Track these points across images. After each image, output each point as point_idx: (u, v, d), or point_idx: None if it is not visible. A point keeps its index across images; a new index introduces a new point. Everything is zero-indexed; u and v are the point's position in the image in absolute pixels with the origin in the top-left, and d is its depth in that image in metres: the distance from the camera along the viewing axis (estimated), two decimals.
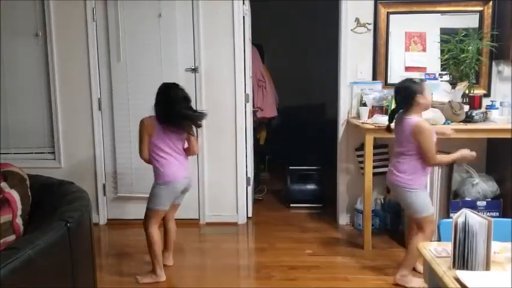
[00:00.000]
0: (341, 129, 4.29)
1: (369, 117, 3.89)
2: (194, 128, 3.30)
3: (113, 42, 4.25)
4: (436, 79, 4.00)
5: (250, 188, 4.58)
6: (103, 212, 4.51)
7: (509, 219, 2.21)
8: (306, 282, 3.28)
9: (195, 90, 4.28)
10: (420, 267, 3.16)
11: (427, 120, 3.59)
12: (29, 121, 4.44)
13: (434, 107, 3.70)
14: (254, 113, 4.99)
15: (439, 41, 4.11)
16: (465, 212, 1.80)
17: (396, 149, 3.16)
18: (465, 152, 3.10)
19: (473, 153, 3.11)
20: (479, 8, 4.08)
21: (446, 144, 3.83)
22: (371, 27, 4.16)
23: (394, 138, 3.20)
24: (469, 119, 3.72)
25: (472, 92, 3.99)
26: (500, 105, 3.87)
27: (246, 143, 4.43)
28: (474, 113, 3.72)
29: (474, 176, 3.98)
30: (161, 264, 3.30)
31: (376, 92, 4.02)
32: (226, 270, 3.51)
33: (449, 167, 3.67)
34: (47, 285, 1.95)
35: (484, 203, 3.88)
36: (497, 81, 4.14)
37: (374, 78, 4.20)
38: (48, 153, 4.50)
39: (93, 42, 4.29)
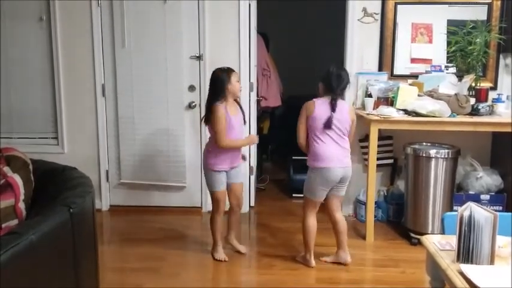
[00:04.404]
0: None
1: (374, 109, 3.86)
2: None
3: (118, 27, 4.22)
4: (442, 71, 3.97)
5: (253, 177, 4.58)
6: (106, 198, 4.51)
7: (510, 214, 2.19)
8: (307, 272, 3.28)
9: (199, 78, 4.26)
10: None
11: (433, 112, 3.58)
12: (33, 106, 4.43)
13: (440, 100, 3.68)
14: (258, 102, 4.97)
15: (446, 32, 4.07)
16: (471, 205, 1.78)
17: None
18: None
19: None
20: (488, 0, 4.03)
21: (451, 137, 3.82)
22: (378, 17, 4.12)
23: None
24: (474, 112, 3.69)
25: (478, 84, 3.96)
26: (507, 98, 3.83)
27: (249, 132, 4.41)
28: (480, 106, 3.70)
29: (478, 169, 3.96)
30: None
31: (381, 83, 3.98)
32: (227, 258, 3.51)
33: (453, 160, 3.65)
34: (49, 270, 1.96)
35: (488, 196, 3.87)
36: (504, 75, 4.10)
37: (380, 69, 4.17)
38: (52, 138, 4.49)
39: (98, 27, 4.26)
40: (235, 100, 3.39)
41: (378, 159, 3.78)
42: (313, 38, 6.53)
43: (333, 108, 3.13)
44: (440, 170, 3.60)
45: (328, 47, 5.71)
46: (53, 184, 2.52)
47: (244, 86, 4.29)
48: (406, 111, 3.69)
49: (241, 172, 3.60)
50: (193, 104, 4.29)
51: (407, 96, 3.74)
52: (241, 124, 3.40)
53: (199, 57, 4.25)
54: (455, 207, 3.60)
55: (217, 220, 3.43)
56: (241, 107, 3.45)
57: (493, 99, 3.86)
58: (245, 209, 4.46)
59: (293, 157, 5.05)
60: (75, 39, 4.30)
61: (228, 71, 3.31)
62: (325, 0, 5.63)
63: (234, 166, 3.41)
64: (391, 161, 4.24)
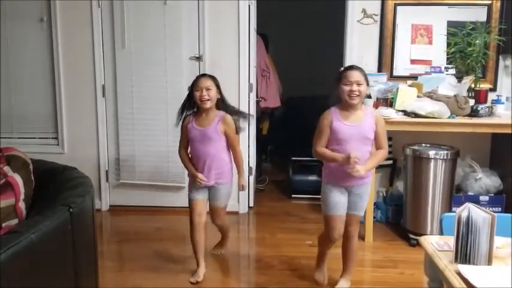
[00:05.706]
0: None
1: None
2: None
3: (118, 28, 4.23)
4: (442, 72, 3.98)
5: (252, 178, 4.58)
6: (105, 198, 4.52)
7: (510, 215, 2.20)
8: (306, 272, 3.28)
9: None
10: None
11: (432, 113, 3.59)
12: (33, 106, 4.44)
13: (439, 101, 3.69)
14: (257, 102, 4.98)
15: (446, 34, 4.08)
16: (469, 206, 1.79)
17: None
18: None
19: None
20: (488, 2, 4.04)
21: (450, 139, 3.82)
22: (378, 18, 4.13)
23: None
24: (474, 113, 3.70)
25: (478, 86, 3.96)
26: (506, 99, 3.84)
27: (248, 132, 4.42)
28: (480, 107, 3.70)
29: (477, 170, 3.97)
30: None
31: (381, 84, 3.98)
32: (226, 259, 3.52)
33: (453, 162, 3.65)
34: (49, 269, 1.96)
35: (487, 198, 3.87)
36: (504, 76, 4.11)
37: (379, 70, 4.18)
38: (52, 138, 4.50)
39: (98, 28, 4.27)
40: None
41: None
42: (313, 39, 6.54)
43: None
44: (440, 171, 3.61)
45: (327, 48, 5.72)
46: (53, 184, 2.52)
47: (244, 87, 4.31)
48: (405, 112, 3.70)
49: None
50: None
51: (407, 97, 3.74)
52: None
53: (199, 58, 4.25)
54: (454, 209, 3.60)
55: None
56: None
57: (493, 100, 3.87)
58: (244, 209, 4.47)
59: (292, 158, 5.06)
60: (76, 40, 4.31)
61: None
62: (325, 1, 5.64)
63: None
64: (390, 162, 4.25)
